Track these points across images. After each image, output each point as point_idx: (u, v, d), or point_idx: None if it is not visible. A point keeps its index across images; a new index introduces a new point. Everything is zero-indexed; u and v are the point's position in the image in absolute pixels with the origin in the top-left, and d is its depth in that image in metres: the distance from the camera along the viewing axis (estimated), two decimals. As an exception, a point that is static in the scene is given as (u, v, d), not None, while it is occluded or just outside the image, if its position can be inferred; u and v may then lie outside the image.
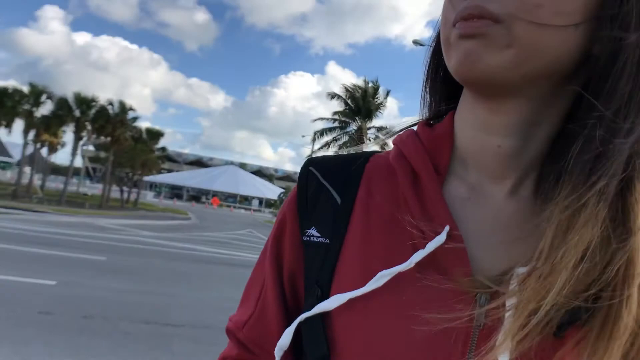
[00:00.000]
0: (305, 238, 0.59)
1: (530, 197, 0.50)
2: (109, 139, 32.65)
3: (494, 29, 0.44)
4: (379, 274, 0.49)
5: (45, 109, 31.28)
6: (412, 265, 0.49)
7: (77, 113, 31.29)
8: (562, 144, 0.47)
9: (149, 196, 58.54)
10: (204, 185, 73.16)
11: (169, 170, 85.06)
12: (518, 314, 0.42)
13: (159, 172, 61.24)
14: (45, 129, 31.68)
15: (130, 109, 33.34)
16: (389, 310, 0.49)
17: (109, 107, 32.37)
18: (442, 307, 0.46)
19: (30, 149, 35.72)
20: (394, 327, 0.48)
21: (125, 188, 36.78)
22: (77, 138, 32.33)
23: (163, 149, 44.57)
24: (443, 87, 0.61)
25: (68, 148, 34.25)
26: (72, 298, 6.42)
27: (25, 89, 30.32)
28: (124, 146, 33.08)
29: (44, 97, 30.69)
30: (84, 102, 31.20)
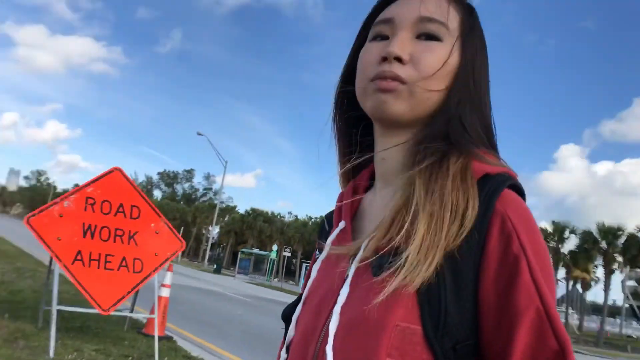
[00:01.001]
0: (315, 257, 0.88)
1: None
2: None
3: (402, 87, 0.71)
4: (314, 266, 0.82)
5: (571, 244, 31.16)
6: (326, 254, 0.80)
7: (603, 244, 29.65)
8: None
9: None
10: None
11: None
12: (356, 264, 0.69)
13: None
14: (574, 265, 31.18)
15: None
16: (319, 273, 0.81)
17: (640, 235, 29.19)
18: (338, 270, 0.75)
19: (562, 287, 35.63)
20: (319, 283, 0.79)
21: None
22: (608, 272, 30.20)
23: None
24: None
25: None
26: None
27: (549, 227, 31.35)
28: None
29: (567, 233, 30.80)
30: (610, 232, 29.32)
